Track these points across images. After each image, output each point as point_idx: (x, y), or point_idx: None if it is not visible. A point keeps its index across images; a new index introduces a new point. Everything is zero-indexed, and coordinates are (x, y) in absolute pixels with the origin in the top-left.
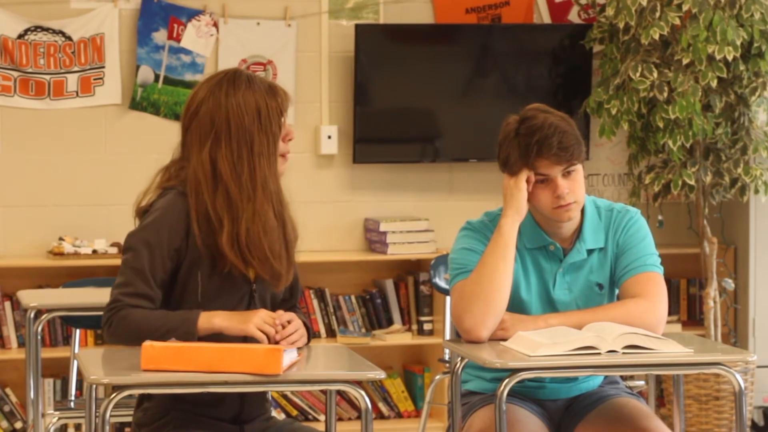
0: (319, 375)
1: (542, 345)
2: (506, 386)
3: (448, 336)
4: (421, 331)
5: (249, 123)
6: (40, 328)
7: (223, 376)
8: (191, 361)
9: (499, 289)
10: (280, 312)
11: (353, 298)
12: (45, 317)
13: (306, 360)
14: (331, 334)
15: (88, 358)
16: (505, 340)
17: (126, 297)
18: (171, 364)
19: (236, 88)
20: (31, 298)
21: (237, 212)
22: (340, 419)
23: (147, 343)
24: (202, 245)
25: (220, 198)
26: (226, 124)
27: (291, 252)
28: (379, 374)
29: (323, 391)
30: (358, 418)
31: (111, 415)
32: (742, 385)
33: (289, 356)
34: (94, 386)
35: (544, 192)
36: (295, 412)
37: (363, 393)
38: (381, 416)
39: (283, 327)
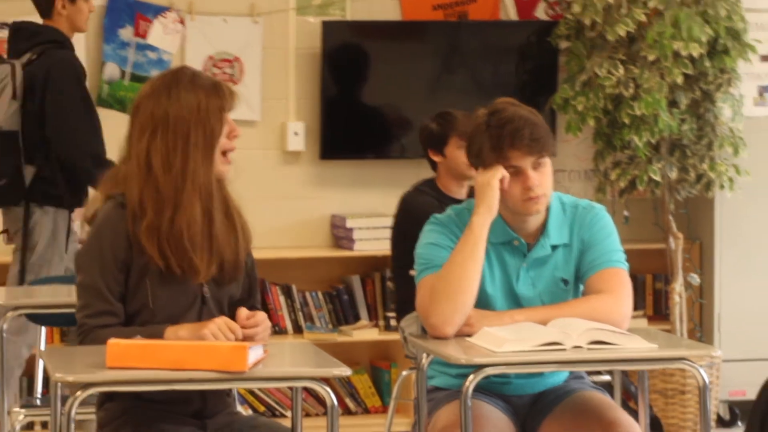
0: (285, 372)
1: (507, 341)
2: (472, 382)
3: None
4: (387, 327)
5: (187, 116)
6: (5, 326)
7: (188, 373)
8: (157, 359)
9: (466, 288)
10: (245, 312)
11: (320, 294)
12: (11, 315)
13: (272, 357)
14: (297, 330)
15: (53, 356)
16: (470, 335)
17: (89, 319)
18: (136, 362)
19: (178, 84)
20: None
21: (163, 203)
22: (307, 415)
23: (112, 341)
24: (133, 240)
25: (149, 189)
26: (164, 117)
27: (215, 248)
28: (345, 371)
29: (290, 388)
30: (326, 413)
31: (76, 413)
32: (707, 380)
33: (255, 353)
34: (59, 384)
35: (514, 184)
36: (262, 409)
37: (329, 390)
38: (348, 412)
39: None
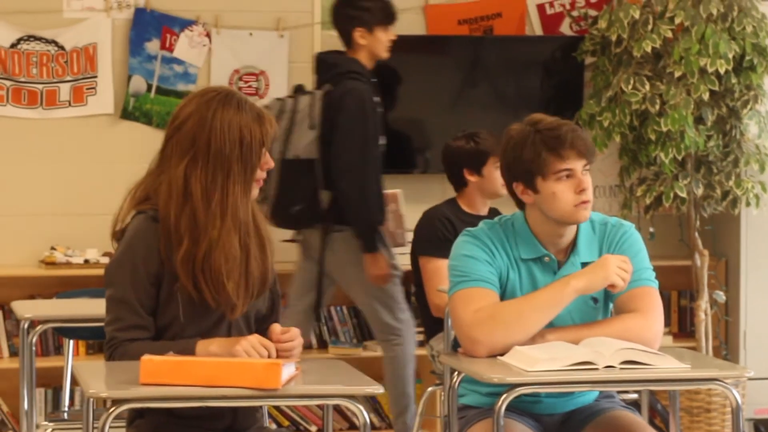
0: (317, 390)
1: (540, 360)
2: (504, 401)
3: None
4: None
5: (229, 150)
6: (34, 339)
7: (221, 390)
8: (190, 375)
9: (527, 329)
10: (279, 328)
11: (345, 309)
12: (40, 328)
13: (303, 374)
14: (322, 345)
15: (85, 371)
16: (502, 354)
17: (120, 332)
18: (170, 378)
19: (224, 111)
20: (25, 309)
21: (199, 234)
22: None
23: (146, 357)
24: (165, 259)
25: (185, 216)
26: (206, 146)
27: (251, 283)
28: (377, 389)
29: (319, 405)
30: (350, 428)
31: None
32: (740, 401)
33: (288, 370)
34: (92, 400)
35: (567, 187)
36: (286, 423)
37: (361, 408)
38: (372, 427)
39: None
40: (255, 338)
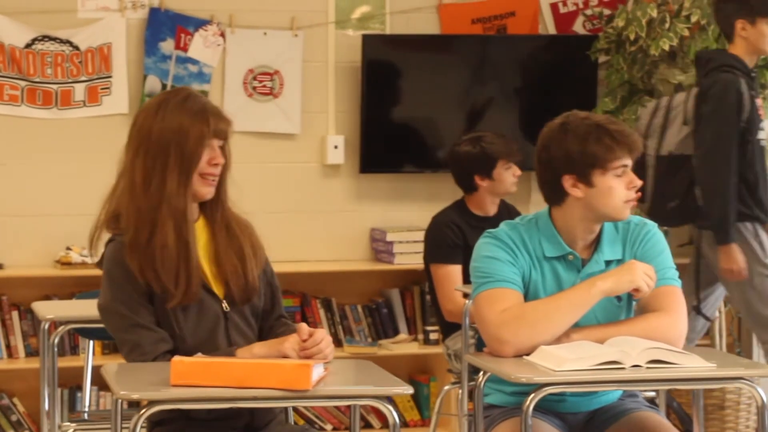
0: (347, 390)
1: (567, 360)
2: (532, 401)
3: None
4: (427, 341)
5: (168, 138)
6: (57, 340)
7: (252, 391)
8: (220, 376)
9: (553, 330)
10: (306, 329)
11: (359, 307)
12: (62, 329)
13: (331, 375)
14: (337, 343)
15: (114, 373)
16: (528, 354)
17: (144, 355)
18: (200, 380)
19: (167, 104)
20: (47, 310)
21: (141, 222)
22: (347, 429)
23: (176, 358)
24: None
25: (132, 206)
26: (148, 136)
27: (193, 271)
28: (407, 389)
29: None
30: (365, 427)
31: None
32: (765, 399)
33: (317, 371)
34: (120, 401)
35: (621, 183)
36: (301, 422)
37: (391, 408)
38: (386, 425)
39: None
40: (294, 340)
